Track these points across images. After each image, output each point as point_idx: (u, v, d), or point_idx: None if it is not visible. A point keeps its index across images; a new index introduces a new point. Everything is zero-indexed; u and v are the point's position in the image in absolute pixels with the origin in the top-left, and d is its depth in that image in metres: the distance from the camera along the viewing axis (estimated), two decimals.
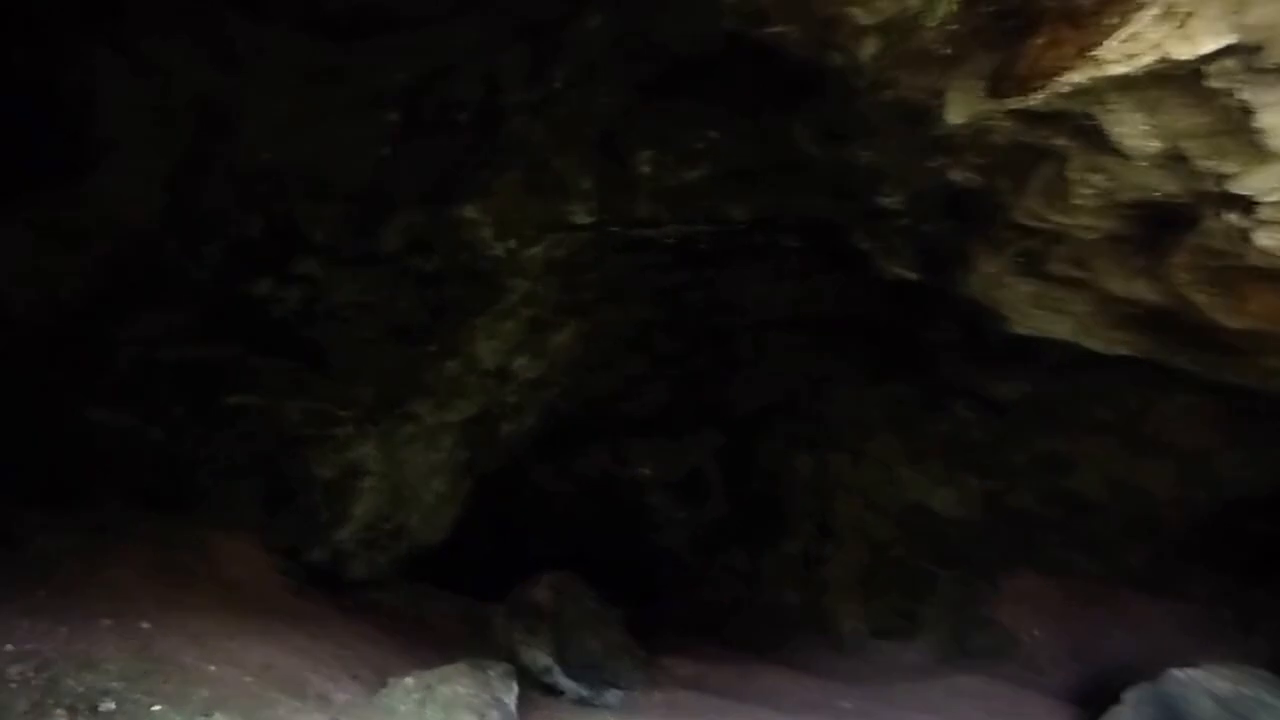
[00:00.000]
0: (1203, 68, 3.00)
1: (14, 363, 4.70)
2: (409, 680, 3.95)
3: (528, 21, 4.58)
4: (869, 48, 3.56)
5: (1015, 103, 3.38)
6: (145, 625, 3.86)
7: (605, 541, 8.02)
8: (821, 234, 5.51)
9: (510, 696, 4.19)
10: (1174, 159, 3.37)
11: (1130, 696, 5.37)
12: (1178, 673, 5.33)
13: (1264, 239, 3.38)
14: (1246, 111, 3.06)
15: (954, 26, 3.30)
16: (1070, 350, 5.58)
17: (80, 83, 4.47)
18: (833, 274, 6.39)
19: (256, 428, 5.11)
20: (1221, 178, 3.28)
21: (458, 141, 4.94)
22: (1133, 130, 3.31)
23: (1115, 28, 2.96)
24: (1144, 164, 3.43)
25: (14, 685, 3.24)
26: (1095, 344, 4.65)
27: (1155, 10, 2.90)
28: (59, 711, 3.13)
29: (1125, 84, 3.15)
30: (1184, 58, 2.97)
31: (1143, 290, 4.04)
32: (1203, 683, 5.21)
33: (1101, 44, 3.01)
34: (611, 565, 7.50)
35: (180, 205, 4.72)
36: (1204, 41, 2.92)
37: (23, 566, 4.21)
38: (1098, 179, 3.60)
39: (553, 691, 5.19)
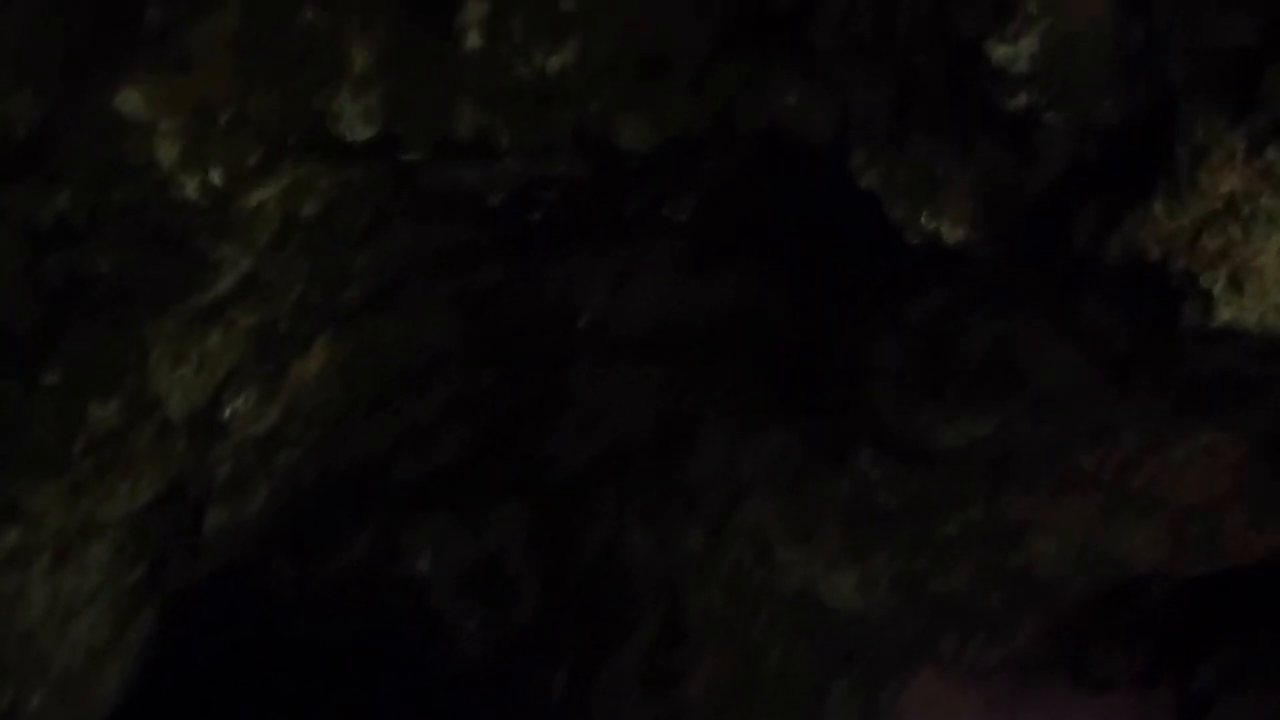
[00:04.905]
0: None
1: None
2: None
3: None
4: None
5: None
6: None
7: (369, 666, 5.93)
8: (766, 175, 3.29)
9: None
10: None
11: None
12: None
13: None
14: None
15: None
16: (1077, 375, 4.30)
17: None
18: (729, 266, 4.45)
19: None
20: None
21: None
22: None
23: None
24: None
25: None
26: None
27: None
28: None
29: None
30: None
31: None
32: None
33: None
34: (381, 700, 5.93)
35: None
36: None
37: None
38: None
39: None
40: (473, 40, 2.86)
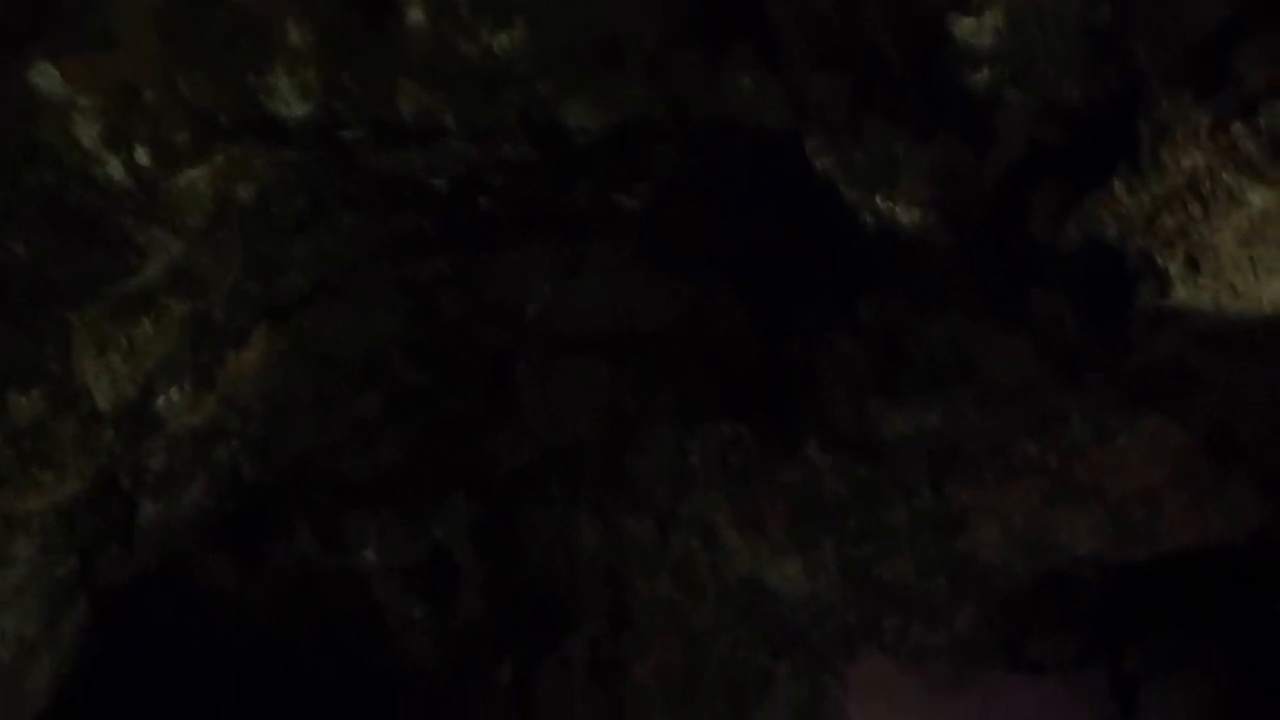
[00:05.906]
0: None
1: None
2: None
3: None
4: None
5: None
6: None
7: (314, 663, 5.70)
8: (720, 165, 3.15)
9: None
10: None
11: None
12: None
13: None
14: None
15: None
16: (1027, 367, 4.16)
17: None
18: (680, 259, 4.33)
19: None
20: None
21: None
22: None
23: None
24: None
25: None
26: None
27: None
28: None
29: None
30: None
31: None
32: None
33: None
34: (328, 697, 5.54)
35: None
36: None
37: None
38: None
39: None
40: (415, 16, 2.71)
